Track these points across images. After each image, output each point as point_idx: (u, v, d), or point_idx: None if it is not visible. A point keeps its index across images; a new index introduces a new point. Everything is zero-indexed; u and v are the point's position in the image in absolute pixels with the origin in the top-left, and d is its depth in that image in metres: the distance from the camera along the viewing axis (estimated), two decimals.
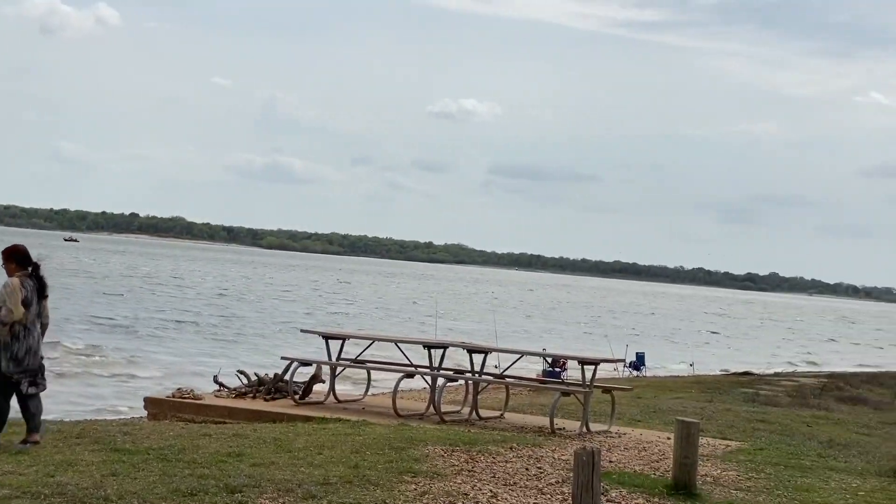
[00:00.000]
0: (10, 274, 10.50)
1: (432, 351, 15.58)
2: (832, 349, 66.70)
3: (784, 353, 56.89)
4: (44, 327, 10.64)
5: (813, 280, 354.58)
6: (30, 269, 10.56)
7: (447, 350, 15.95)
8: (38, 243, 64.29)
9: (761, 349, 59.04)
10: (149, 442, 10.91)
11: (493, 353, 16.23)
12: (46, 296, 10.64)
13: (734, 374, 35.60)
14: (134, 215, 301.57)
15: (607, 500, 9.61)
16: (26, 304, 10.29)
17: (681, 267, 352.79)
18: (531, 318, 71.51)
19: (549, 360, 24.82)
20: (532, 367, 28.77)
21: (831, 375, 35.12)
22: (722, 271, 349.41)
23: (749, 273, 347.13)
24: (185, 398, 15.36)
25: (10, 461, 9.54)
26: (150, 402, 15.63)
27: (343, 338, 16.70)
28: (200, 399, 15.43)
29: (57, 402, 19.48)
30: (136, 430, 12.14)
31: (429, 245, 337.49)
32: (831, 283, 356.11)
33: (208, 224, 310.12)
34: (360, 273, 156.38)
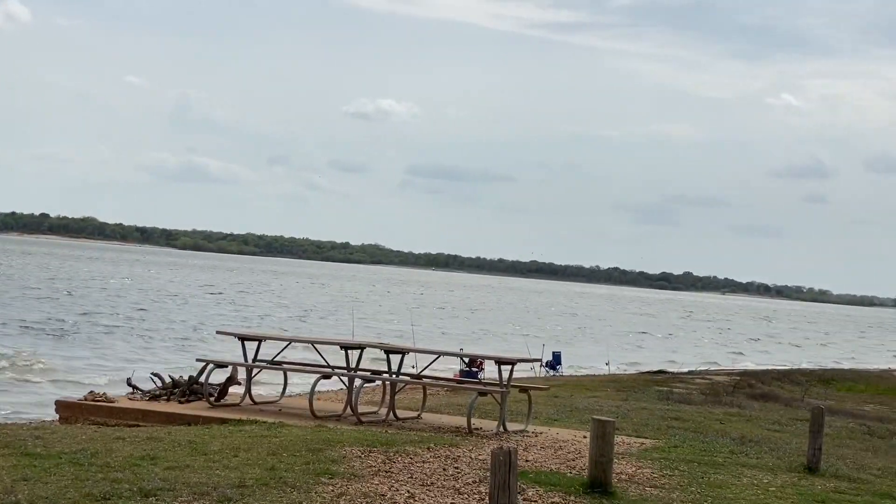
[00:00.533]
0: None
1: (349, 352, 15.56)
2: (758, 348, 67.75)
3: (711, 353, 57.72)
4: None
5: (726, 279, 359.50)
6: None
7: (364, 351, 15.95)
8: None
9: (686, 349, 59.86)
10: (61, 446, 10.77)
11: (410, 353, 16.29)
12: None
13: (649, 372, 36.07)
14: (44, 216, 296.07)
15: (524, 499, 9.69)
16: None
17: (597, 266, 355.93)
18: (451, 318, 71.65)
19: (466, 360, 24.88)
20: (450, 367, 28.88)
21: (744, 373, 35.80)
22: (637, 271, 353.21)
23: (664, 272, 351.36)
24: (97, 401, 15.15)
25: None
26: (61, 406, 15.39)
27: (259, 339, 16.61)
28: (113, 402, 15.23)
29: None
30: (48, 434, 11.98)
31: (346, 245, 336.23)
32: (744, 281, 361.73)
33: (121, 224, 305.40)
34: (276, 274, 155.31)
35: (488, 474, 10.66)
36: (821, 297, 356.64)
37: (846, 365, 53.54)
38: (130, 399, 15.79)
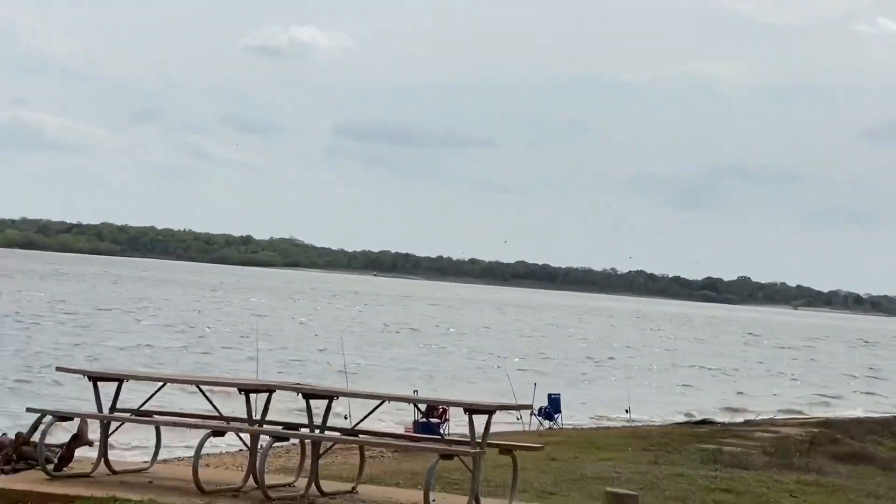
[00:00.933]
0: None
1: (252, 396, 15.52)
2: (858, 388, 68.07)
3: (788, 395, 58.07)
4: None
5: (799, 287, 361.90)
6: None
7: (274, 395, 15.91)
8: None
9: (748, 389, 60.26)
10: None
11: (341, 397, 16.26)
12: None
13: (688, 423, 36.26)
14: None
15: None
16: None
17: (612, 270, 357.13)
18: (401, 347, 71.71)
19: (423, 407, 24.99)
20: (400, 418, 28.97)
21: (825, 423, 36.01)
22: (670, 276, 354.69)
23: (709, 278, 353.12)
24: None
25: None
26: None
27: (120, 379, 16.51)
28: None
29: None
30: None
31: (247, 240, 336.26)
32: (825, 290, 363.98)
33: None
34: (148, 282, 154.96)
35: None
36: None
37: None
38: None
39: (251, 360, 47.60)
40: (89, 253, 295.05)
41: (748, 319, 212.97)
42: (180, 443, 21.66)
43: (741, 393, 56.94)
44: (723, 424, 33.73)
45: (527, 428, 32.65)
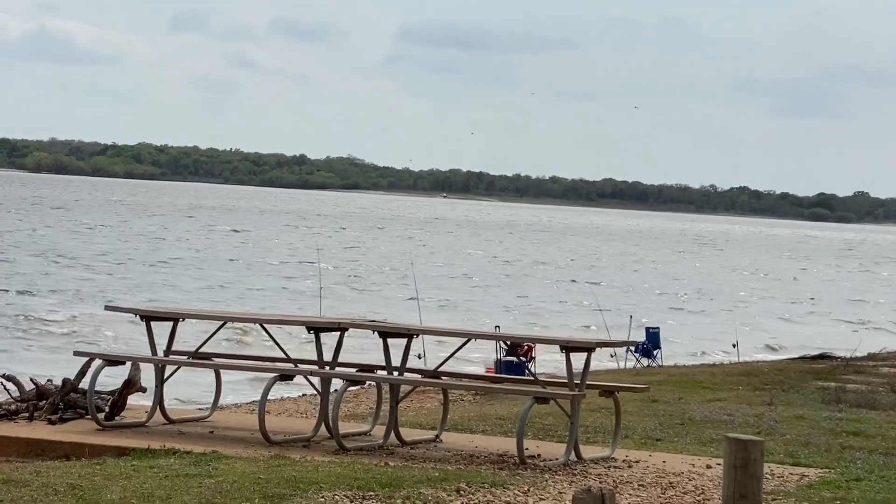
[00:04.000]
0: None
1: (323, 336, 15.59)
2: None
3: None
4: None
5: None
6: None
7: (346, 333, 15.99)
8: None
9: (866, 319, 59.98)
10: None
11: (421, 335, 16.31)
12: None
13: (804, 358, 36.08)
14: None
15: None
16: None
17: (711, 187, 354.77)
18: (475, 279, 71.79)
19: (507, 344, 24.98)
20: (475, 357, 28.97)
21: None
22: (777, 192, 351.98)
23: (822, 194, 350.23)
24: None
25: None
26: None
27: (175, 318, 16.64)
28: None
29: None
30: None
31: (301, 160, 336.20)
32: None
33: None
34: (193, 210, 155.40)
35: None
36: None
37: None
38: None
39: (307, 296, 47.99)
40: (124, 177, 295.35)
41: (861, 242, 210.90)
42: (244, 388, 21.73)
43: (847, 325, 56.51)
44: (843, 359, 33.52)
45: (622, 366, 32.61)
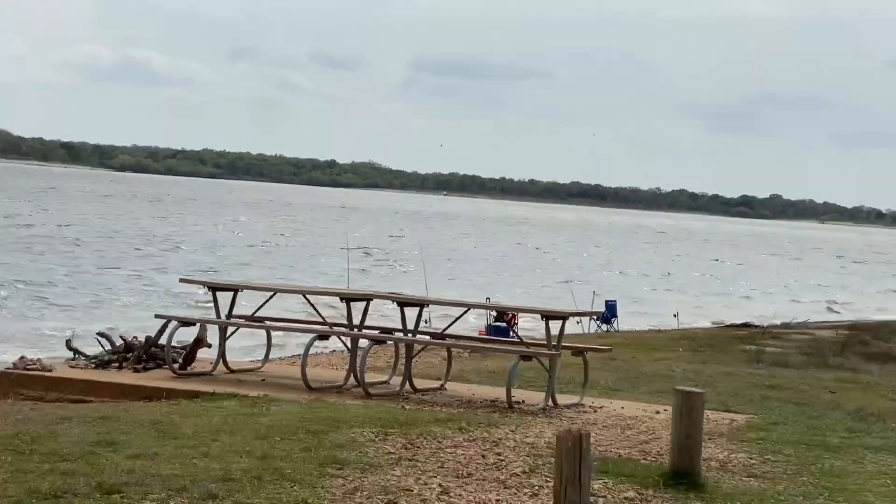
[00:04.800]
0: None
1: (352, 304, 15.62)
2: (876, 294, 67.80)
3: (810, 301, 57.83)
4: None
5: (826, 204, 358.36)
6: None
7: (370, 303, 16.01)
8: None
9: (779, 296, 60.10)
10: None
11: (432, 305, 16.33)
12: None
13: (731, 326, 36.17)
14: None
15: (594, 497, 9.72)
16: None
17: (657, 189, 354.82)
18: (473, 262, 71.78)
19: (497, 312, 25.02)
20: (467, 324, 28.96)
21: (853, 326, 35.82)
22: (710, 194, 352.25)
23: (744, 196, 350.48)
24: (31, 370, 15.21)
25: None
26: None
27: (235, 289, 16.66)
28: (51, 371, 15.29)
29: None
30: None
31: (331, 164, 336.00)
32: (849, 206, 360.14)
33: (41, 139, 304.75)
34: (245, 206, 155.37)
35: (539, 462, 10.76)
36: None
37: None
38: (72, 367, 15.85)
39: (336, 272, 47.93)
40: (191, 175, 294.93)
41: (775, 235, 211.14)
42: (289, 345, 21.74)
43: (763, 300, 56.55)
44: (762, 328, 33.55)
45: (586, 330, 32.61)
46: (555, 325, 14.88)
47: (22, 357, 16.19)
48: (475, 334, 22.21)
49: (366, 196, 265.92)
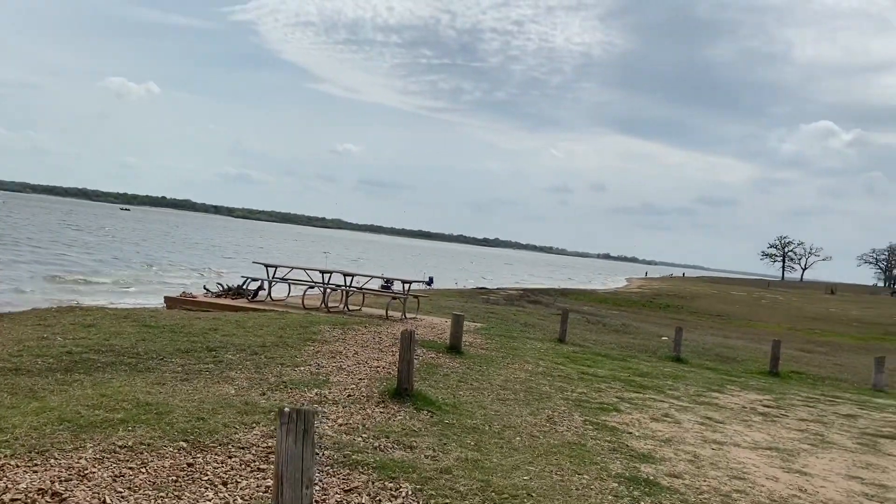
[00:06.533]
0: None
1: (324, 275, 14.97)
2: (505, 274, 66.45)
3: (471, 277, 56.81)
4: None
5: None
6: None
7: (332, 275, 15.38)
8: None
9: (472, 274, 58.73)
10: (164, 321, 10.01)
11: (357, 276, 15.77)
12: None
13: (477, 288, 36.02)
14: (163, 198, 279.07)
15: (416, 356, 9.33)
16: None
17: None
18: (366, 260, 70.51)
19: (385, 279, 24.40)
20: (373, 284, 28.18)
21: (525, 290, 36.04)
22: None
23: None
24: (186, 297, 14.29)
25: (83, 331, 8.56)
26: (167, 299, 14.40)
27: (276, 266, 15.86)
28: (195, 297, 14.35)
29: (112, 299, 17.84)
30: (158, 314, 11.15)
31: (322, 219, 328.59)
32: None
33: (204, 204, 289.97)
34: (274, 235, 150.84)
35: (398, 341, 10.32)
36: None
37: (571, 286, 53.91)
38: (205, 296, 14.91)
39: (317, 262, 46.32)
40: (255, 219, 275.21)
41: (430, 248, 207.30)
42: (298, 290, 20.83)
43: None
44: (489, 289, 33.42)
45: (422, 289, 31.94)
46: (407, 286, 14.45)
47: (183, 291, 15.20)
48: (376, 288, 21.56)
49: (334, 233, 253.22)
